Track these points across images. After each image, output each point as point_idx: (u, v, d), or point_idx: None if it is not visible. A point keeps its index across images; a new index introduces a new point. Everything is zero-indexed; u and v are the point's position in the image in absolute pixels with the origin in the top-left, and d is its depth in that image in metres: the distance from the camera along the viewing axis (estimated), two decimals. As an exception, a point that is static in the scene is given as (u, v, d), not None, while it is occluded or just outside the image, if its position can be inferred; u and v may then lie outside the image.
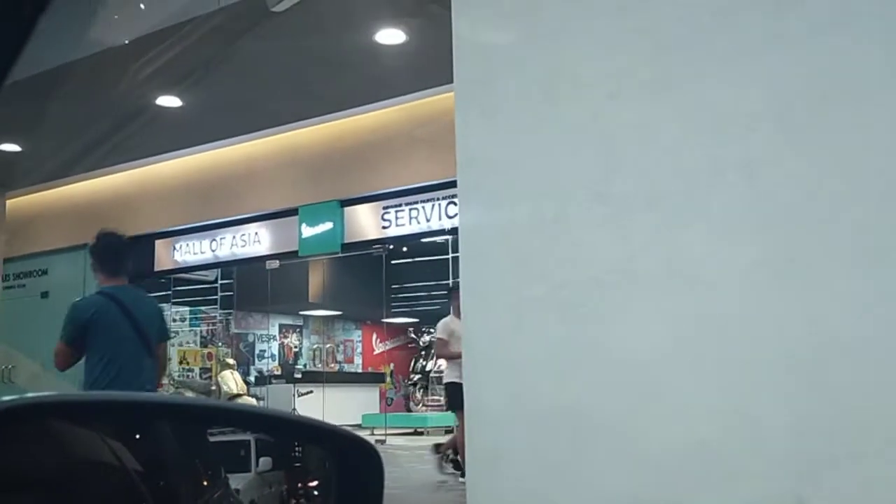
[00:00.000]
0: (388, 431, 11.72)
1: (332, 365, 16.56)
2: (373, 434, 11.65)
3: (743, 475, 2.24)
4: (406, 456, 8.63)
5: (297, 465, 0.89)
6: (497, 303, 2.60)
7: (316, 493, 0.89)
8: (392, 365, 17.84)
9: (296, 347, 16.46)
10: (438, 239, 11.41)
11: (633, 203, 2.44)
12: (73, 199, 12.34)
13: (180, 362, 13.32)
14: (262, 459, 0.82)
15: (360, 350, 17.67)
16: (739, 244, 2.27)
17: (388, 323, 18.01)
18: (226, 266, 11.27)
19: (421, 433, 10.92)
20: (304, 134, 9.76)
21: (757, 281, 2.23)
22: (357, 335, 17.68)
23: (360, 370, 17.13)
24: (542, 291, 2.53)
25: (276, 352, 15.63)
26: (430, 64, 6.38)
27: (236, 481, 0.82)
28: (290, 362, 15.45)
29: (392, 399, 16.57)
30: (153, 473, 0.74)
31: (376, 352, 17.90)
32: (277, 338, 15.73)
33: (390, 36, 6.42)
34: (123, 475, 0.72)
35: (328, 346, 16.88)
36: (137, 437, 0.75)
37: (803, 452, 2.09)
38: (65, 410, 0.68)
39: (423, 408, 11.60)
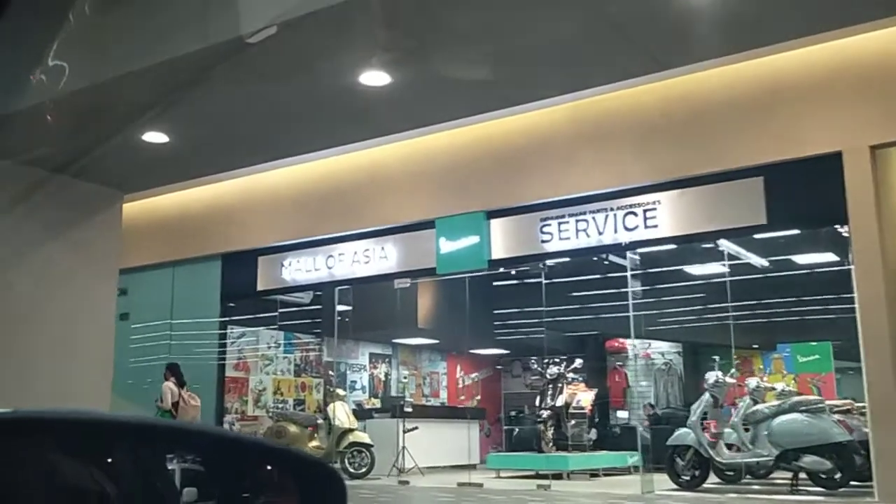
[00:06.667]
0: (505, 474, 10.59)
1: (420, 398, 15.48)
2: (498, 476, 10.47)
3: None
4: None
5: (245, 494, 0.84)
6: None
7: None
8: (477, 399, 16.74)
9: (404, 379, 15.39)
10: (541, 263, 10.41)
11: None
12: (162, 212, 11.45)
13: (275, 392, 12.27)
14: (186, 490, 0.78)
15: (445, 383, 16.58)
16: None
17: (473, 354, 16.94)
18: (341, 285, 10.26)
19: (558, 477, 9.72)
20: (442, 138, 8.80)
21: None
22: (442, 366, 16.60)
23: (446, 403, 16.05)
24: None
25: (366, 383, 14.57)
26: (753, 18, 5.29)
27: None
28: (380, 395, 14.38)
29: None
30: (117, 497, 0.72)
31: (461, 384, 16.80)
32: (367, 368, 14.67)
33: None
34: (88, 498, 0.71)
35: (414, 376, 15.81)
36: (98, 456, 0.73)
37: None
38: (27, 428, 0.69)
39: (554, 447, 10.44)
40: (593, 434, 11.33)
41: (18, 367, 6.90)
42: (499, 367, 16.96)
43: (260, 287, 10.68)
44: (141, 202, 11.22)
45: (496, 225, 8.69)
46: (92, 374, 7.73)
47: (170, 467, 0.78)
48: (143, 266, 11.82)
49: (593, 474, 10.38)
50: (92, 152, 6.96)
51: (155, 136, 7.11)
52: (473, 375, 17.00)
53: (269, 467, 0.84)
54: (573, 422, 10.75)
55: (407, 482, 9.92)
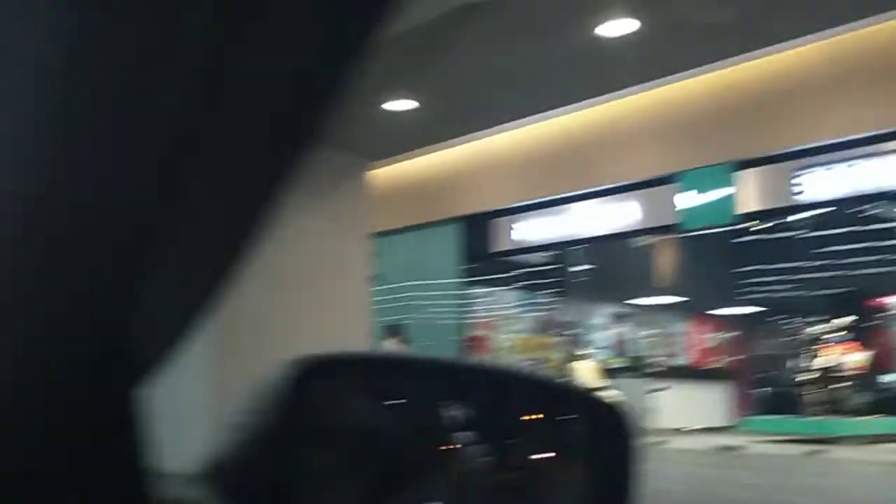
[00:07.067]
0: (760, 438, 9.99)
1: (664, 358, 15.04)
2: (758, 441, 9.88)
3: None
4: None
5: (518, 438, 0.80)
6: None
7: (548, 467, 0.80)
8: (726, 359, 16.02)
9: (646, 338, 15.12)
10: (795, 216, 9.56)
11: None
12: (399, 178, 11.83)
13: (516, 351, 12.44)
14: (460, 434, 0.77)
15: (689, 342, 16.00)
16: None
17: (719, 312, 16.19)
18: (578, 245, 10.13)
19: (822, 442, 8.94)
20: (680, 88, 8.31)
21: None
22: (686, 326, 16.01)
23: (691, 364, 15.47)
24: None
25: (607, 342, 14.39)
26: None
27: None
28: (622, 354, 14.14)
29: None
30: (398, 436, 0.74)
31: (707, 345, 16.12)
32: (608, 327, 14.48)
33: None
34: (402, 436, 0.74)
35: (657, 335, 15.37)
36: (395, 393, 0.75)
37: None
38: (359, 366, 0.76)
39: (821, 410, 9.70)
40: (866, 397, 10.40)
41: (287, 331, 7.40)
42: (747, 326, 16.10)
43: (496, 249, 10.81)
44: (382, 170, 11.70)
45: (745, 176, 8.12)
46: (352, 334, 8.18)
47: (446, 408, 0.78)
48: (384, 231, 12.36)
49: (868, 441, 9.45)
50: (341, 122, 7.28)
51: (399, 105, 7.33)
52: (720, 335, 16.25)
53: (549, 411, 0.81)
54: (841, 384, 9.91)
55: (661, 442, 9.63)
